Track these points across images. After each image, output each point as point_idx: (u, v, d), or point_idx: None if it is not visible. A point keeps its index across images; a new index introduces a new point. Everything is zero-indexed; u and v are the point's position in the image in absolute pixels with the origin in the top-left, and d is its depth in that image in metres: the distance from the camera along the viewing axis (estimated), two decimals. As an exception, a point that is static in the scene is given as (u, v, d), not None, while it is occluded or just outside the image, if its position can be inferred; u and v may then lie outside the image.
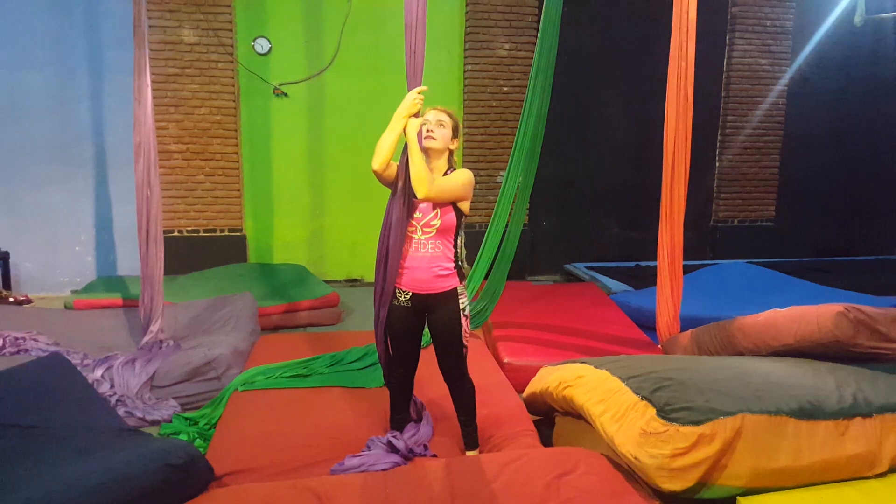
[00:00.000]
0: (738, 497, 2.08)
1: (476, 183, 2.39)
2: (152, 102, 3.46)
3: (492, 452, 2.45)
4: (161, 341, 3.54)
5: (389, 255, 2.30)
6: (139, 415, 3.00)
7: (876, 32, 6.45)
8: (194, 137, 5.41)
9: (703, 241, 6.53)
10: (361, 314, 4.83)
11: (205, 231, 5.55)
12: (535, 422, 2.76)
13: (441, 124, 2.29)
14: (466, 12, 5.75)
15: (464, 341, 2.36)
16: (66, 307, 4.44)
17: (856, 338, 2.63)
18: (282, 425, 2.65)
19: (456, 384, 2.41)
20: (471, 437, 2.47)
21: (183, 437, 2.81)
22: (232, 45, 5.40)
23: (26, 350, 3.46)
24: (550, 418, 2.87)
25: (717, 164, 6.49)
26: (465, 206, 2.31)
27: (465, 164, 5.79)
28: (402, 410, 2.54)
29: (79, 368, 2.83)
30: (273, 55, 5.55)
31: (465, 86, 5.85)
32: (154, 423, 2.99)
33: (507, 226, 3.89)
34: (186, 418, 3.01)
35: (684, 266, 3.51)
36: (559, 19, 3.64)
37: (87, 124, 5.36)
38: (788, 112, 6.43)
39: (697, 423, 2.06)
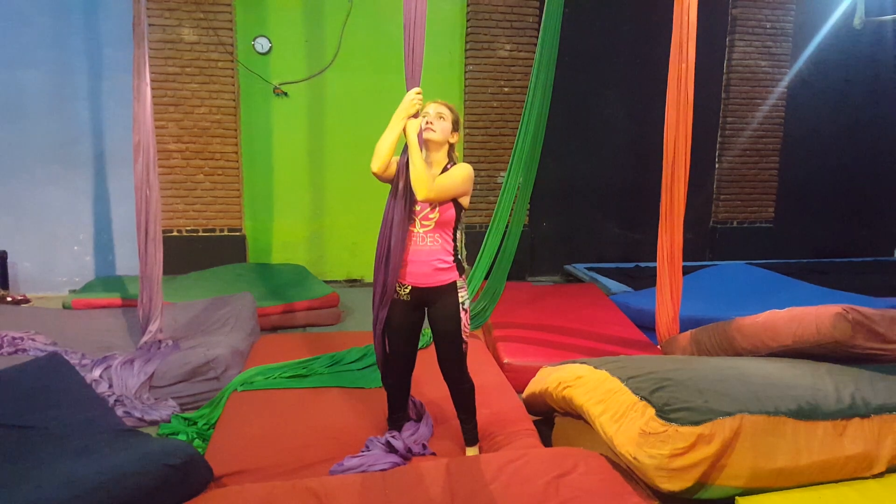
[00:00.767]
0: (736, 497, 2.08)
1: (476, 183, 2.39)
2: (152, 101, 3.46)
3: (491, 452, 2.44)
4: (160, 341, 3.53)
5: (391, 255, 2.28)
6: (138, 415, 2.99)
7: (876, 35, 6.46)
8: (194, 137, 5.41)
9: (703, 243, 6.54)
10: (361, 314, 4.83)
11: (204, 231, 5.55)
12: (534, 422, 2.76)
13: (441, 117, 2.29)
14: (467, 13, 5.76)
15: (463, 336, 2.34)
16: (64, 307, 4.43)
17: (854, 339, 2.63)
18: (281, 426, 2.65)
19: (455, 383, 2.40)
20: (471, 434, 2.47)
21: (182, 437, 2.80)
22: (232, 44, 5.40)
23: (24, 350, 3.45)
24: (550, 419, 2.87)
25: (717, 165, 6.50)
26: (464, 200, 2.31)
27: (464, 165, 5.80)
28: (400, 410, 2.53)
29: (77, 368, 2.82)
30: (273, 54, 5.55)
31: (465, 86, 5.85)
32: (153, 423, 2.99)
33: (507, 226, 3.89)
34: (185, 418, 3.00)
35: (684, 267, 3.52)
36: (560, 20, 3.64)
37: (86, 123, 5.36)
38: (788, 114, 6.44)
39: (696, 423, 2.06)
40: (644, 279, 5.37)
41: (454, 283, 2.32)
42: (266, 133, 5.65)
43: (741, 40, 6.23)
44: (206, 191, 5.50)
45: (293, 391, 3.00)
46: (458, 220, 2.32)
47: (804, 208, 6.72)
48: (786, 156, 6.51)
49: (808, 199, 6.73)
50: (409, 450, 2.39)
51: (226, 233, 5.59)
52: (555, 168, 5.95)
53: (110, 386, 3.15)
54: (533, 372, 3.00)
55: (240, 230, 5.63)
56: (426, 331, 3.65)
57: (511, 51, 5.82)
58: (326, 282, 5.30)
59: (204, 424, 2.93)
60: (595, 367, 2.56)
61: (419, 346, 2.48)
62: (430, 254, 2.29)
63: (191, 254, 5.41)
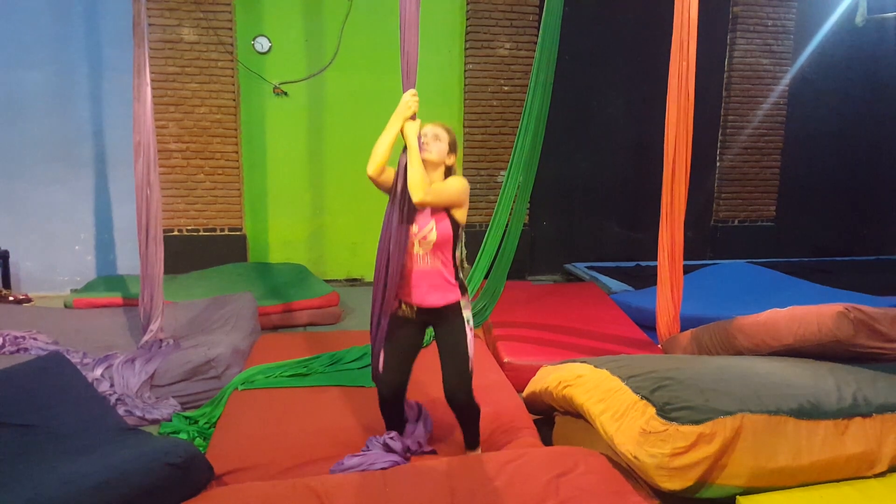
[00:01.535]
0: (737, 496, 2.08)
1: (476, 183, 2.38)
2: (152, 101, 3.46)
3: (492, 452, 2.44)
4: (161, 340, 3.54)
5: (390, 262, 2.25)
6: (139, 414, 3.00)
7: (877, 32, 6.45)
8: (194, 136, 5.41)
9: (704, 241, 6.53)
10: (361, 314, 4.83)
11: (205, 230, 5.55)
12: (535, 421, 2.76)
13: (437, 138, 2.28)
14: (467, 11, 5.75)
15: (469, 355, 2.30)
16: (65, 306, 4.44)
17: (856, 338, 2.63)
18: (281, 424, 2.65)
19: (462, 408, 2.35)
20: (472, 439, 2.46)
21: (183, 435, 2.80)
22: (232, 44, 5.40)
23: (26, 349, 3.46)
24: (550, 418, 2.87)
25: (718, 163, 6.49)
26: (460, 215, 2.29)
27: (465, 164, 5.79)
28: (396, 427, 2.48)
29: (78, 367, 2.82)
30: (273, 54, 5.54)
31: (465, 85, 5.85)
32: (154, 421, 2.99)
33: (507, 225, 3.89)
34: (186, 417, 3.01)
35: (684, 266, 3.51)
36: (560, 18, 3.63)
37: (87, 123, 5.36)
38: (789, 112, 6.43)
39: (697, 422, 2.06)
40: (645, 278, 5.36)
41: (458, 302, 2.32)
42: (266, 132, 5.65)
43: (742, 38, 6.22)
44: (207, 190, 5.51)
45: (293, 390, 3.01)
46: (455, 237, 2.30)
47: (806, 207, 6.71)
48: (787, 154, 6.50)
49: (810, 198, 6.72)
50: (409, 449, 2.39)
51: (226, 232, 5.59)
52: (555, 167, 5.94)
53: (112, 385, 3.16)
54: (533, 371, 3.00)
55: (240, 230, 5.64)
56: (427, 329, 3.65)
57: (511, 49, 5.81)
58: (326, 281, 5.30)
59: (205, 423, 2.94)
60: (595, 367, 2.56)
61: (413, 361, 2.43)
62: (431, 274, 2.27)
63: (191, 253, 5.42)
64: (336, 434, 2.57)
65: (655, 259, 3.56)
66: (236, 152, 5.53)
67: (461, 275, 2.37)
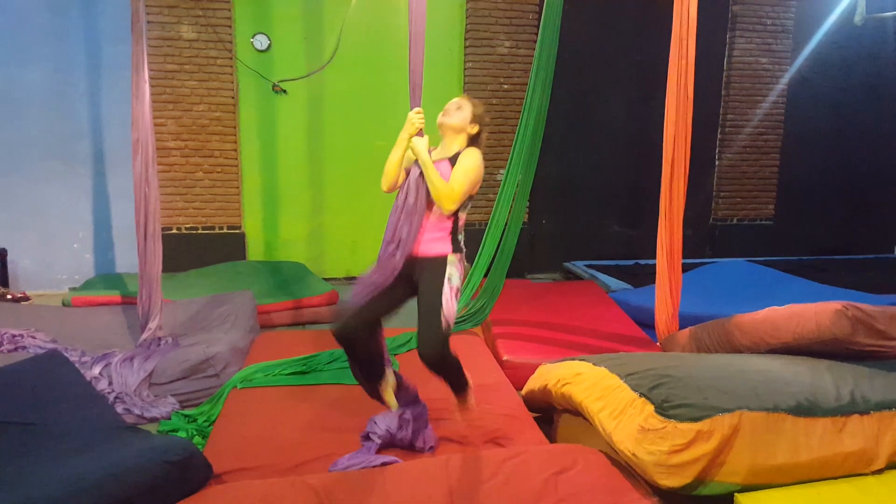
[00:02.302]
0: (735, 494, 2.08)
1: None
2: (150, 99, 3.46)
3: (491, 449, 2.44)
4: (159, 339, 3.53)
5: (401, 244, 2.25)
6: (137, 412, 3.00)
7: (876, 32, 6.45)
8: (193, 134, 5.40)
9: (703, 240, 6.53)
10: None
11: (203, 228, 5.55)
12: (533, 419, 2.76)
13: (460, 108, 2.39)
14: (467, 10, 5.74)
15: (444, 310, 2.20)
16: (64, 304, 4.43)
17: (854, 335, 2.63)
18: (280, 423, 2.65)
19: (432, 366, 2.23)
20: (457, 386, 2.36)
21: (181, 434, 2.80)
22: (231, 42, 5.39)
23: (24, 347, 3.45)
24: (549, 416, 2.88)
25: (717, 162, 6.49)
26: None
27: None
28: (372, 376, 2.37)
29: (77, 366, 2.82)
30: (272, 51, 5.53)
31: (465, 83, 5.84)
32: (152, 420, 2.99)
33: (506, 224, 3.89)
34: (185, 415, 3.00)
35: (683, 264, 3.51)
36: (560, 17, 3.63)
37: (85, 121, 5.35)
38: (788, 111, 6.43)
39: (695, 419, 2.06)
40: (644, 276, 5.37)
41: (445, 257, 2.29)
42: (265, 130, 5.64)
43: (741, 37, 6.21)
44: (206, 188, 5.50)
45: (293, 388, 3.01)
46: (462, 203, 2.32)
47: (804, 205, 6.72)
48: (786, 153, 6.50)
49: (809, 197, 6.72)
50: (412, 442, 2.37)
51: (225, 230, 5.59)
52: (554, 165, 5.94)
53: (110, 383, 3.16)
54: (532, 369, 3.00)
55: (239, 228, 5.63)
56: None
57: (510, 48, 5.80)
58: (326, 279, 5.30)
59: (204, 421, 2.94)
60: (594, 364, 2.56)
61: (393, 309, 2.39)
62: (431, 225, 2.31)
63: (190, 251, 5.41)
64: (335, 432, 2.57)
65: (654, 257, 3.56)
66: (235, 150, 5.52)
67: (460, 236, 2.39)
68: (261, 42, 5.48)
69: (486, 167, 2.32)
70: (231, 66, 5.40)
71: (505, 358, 3.44)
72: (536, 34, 3.81)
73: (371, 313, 2.32)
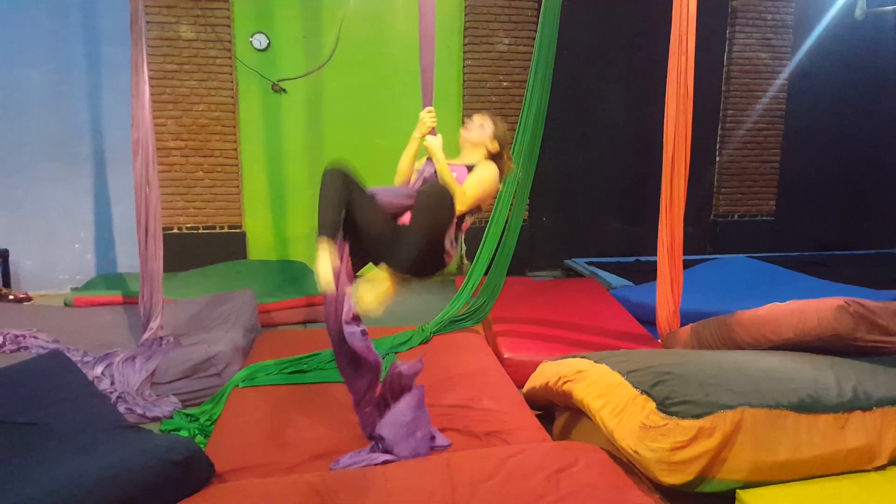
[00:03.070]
0: (737, 490, 2.08)
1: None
2: (150, 99, 3.45)
3: (492, 447, 2.44)
4: (161, 338, 3.54)
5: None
6: (139, 411, 3.00)
7: (877, 26, 6.42)
8: (193, 134, 5.40)
9: (704, 236, 6.52)
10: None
11: (204, 228, 5.55)
12: (535, 416, 2.76)
13: (482, 126, 2.45)
14: (466, 7, 5.73)
15: (448, 245, 2.16)
16: (65, 304, 4.44)
17: (856, 331, 2.63)
18: (282, 421, 2.65)
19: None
20: None
21: (183, 433, 2.81)
22: (230, 41, 5.38)
23: (26, 347, 3.46)
24: (550, 413, 2.88)
25: (718, 158, 6.48)
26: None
27: (464, 160, 5.79)
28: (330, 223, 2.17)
29: (79, 366, 2.82)
30: (271, 51, 5.53)
31: (464, 81, 5.83)
32: (154, 419, 2.99)
33: (506, 221, 3.89)
34: (187, 415, 3.01)
35: (684, 261, 3.51)
36: (559, 14, 3.62)
37: (85, 121, 5.35)
38: (789, 106, 6.41)
39: (697, 416, 2.06)
40: (644, 273, 5.36)
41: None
42: (265, 130, 5.64)
43: (741, 32, 6.20)
44: (206, 188, 5.50)
45: (294, 387, 3.01)
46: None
47: (805, 201, 6.70)
48: (787, 148, 6.49)
49: (810, 192, 6.71)
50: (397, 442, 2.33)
51: (226, 230, 5.59)
52: (554, 162, 5.93)
53: (112, 383, 3.16)
54: (533, 367, 3.00)
55: (240, 227, 5.63)
56: (427, 326, 3.65)
57: (510, 45, 5.79)
58: (327, 278, 5.30)
59: (206, 420, 2.94)
60: (595, 362, 2.56)
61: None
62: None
63: (191, 251, 5.41)
64: (337, 431, 2.57)
65: (655, 254, 3.55)
66: (235, 150, 5.52)
67: (461, 235, 2.45)
68: (260, 41, 5.48)
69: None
70: (230, 66, 5.40)
71: (506, 355, 3.44)
72: (535, 31, 3.79)
73: (364, 200, 2.23)
